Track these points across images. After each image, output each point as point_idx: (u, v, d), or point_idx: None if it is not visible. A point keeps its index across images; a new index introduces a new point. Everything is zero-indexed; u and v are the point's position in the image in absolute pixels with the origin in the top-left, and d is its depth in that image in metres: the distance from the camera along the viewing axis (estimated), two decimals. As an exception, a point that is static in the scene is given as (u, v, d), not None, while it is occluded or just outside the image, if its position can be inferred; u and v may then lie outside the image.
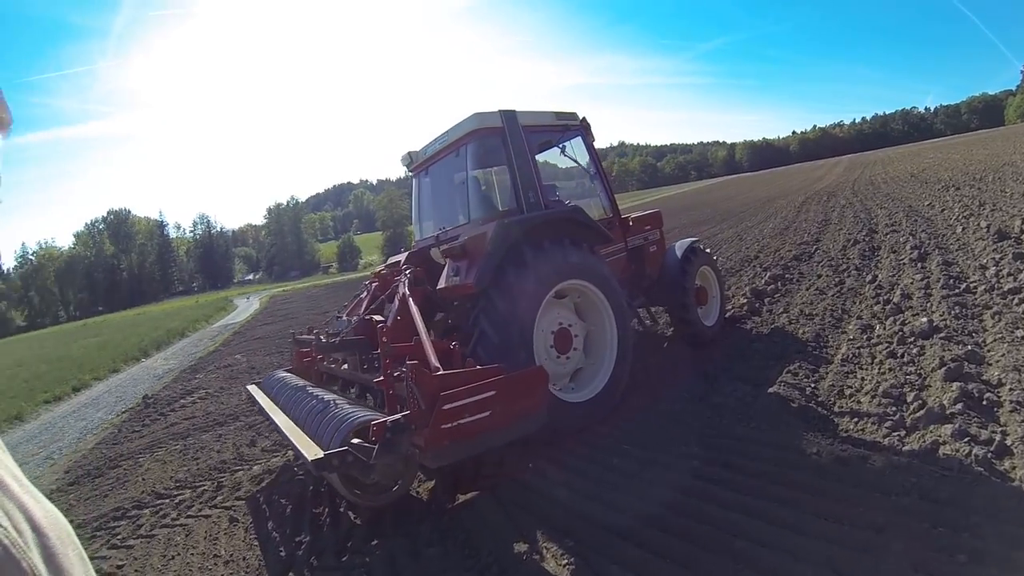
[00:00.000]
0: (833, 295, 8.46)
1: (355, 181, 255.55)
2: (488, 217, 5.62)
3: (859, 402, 4.87)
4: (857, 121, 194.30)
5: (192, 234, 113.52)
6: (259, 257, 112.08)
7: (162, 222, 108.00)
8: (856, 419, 4.59)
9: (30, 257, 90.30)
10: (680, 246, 7.41)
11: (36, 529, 0.76)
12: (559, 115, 6.30)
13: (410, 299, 5.07)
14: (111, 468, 7.77)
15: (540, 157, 6.79)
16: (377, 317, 5.48)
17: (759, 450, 4.37)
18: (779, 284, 9.90)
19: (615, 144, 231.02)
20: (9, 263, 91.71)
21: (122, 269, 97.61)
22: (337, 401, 4.57)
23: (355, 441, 3.61)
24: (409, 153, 6.61)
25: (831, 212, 19.99)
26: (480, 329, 4.93)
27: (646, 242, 7.30)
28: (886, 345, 5.91)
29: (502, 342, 4.84)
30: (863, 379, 5.33)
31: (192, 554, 4.67)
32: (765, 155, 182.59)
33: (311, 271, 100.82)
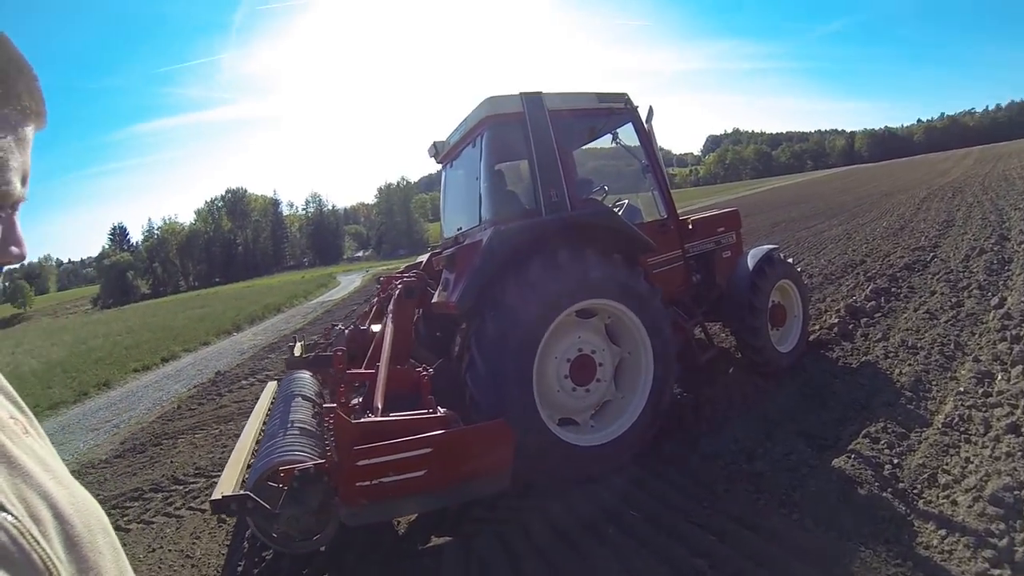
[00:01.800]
0: (947, 321, 7.03)
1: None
2: (502, 219, 4.96)
3: (955, 504, 3.62)
4: (991, 108, 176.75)
5: (304, 212, 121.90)
6: (369, 235, 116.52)
7: (276, 200, 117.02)
8: (944, 534, 3.36)
9: (155, 232, 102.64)
10: (754, 255, 6.21)
11: (59, 516, 0.79)
12: (602, 96, 5.39)
13: (390, 316, 4.79)
14: (153, 445, 8.19)
15: (591, 146, 6.18)
16: (375, 328, 5.23)
17: (788, 564, 3.29)
18: (882, 300, 8.48)
19: (729, 131, 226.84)
20: (137, 237, 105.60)
21: (238, 244, 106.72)
22: (293, 426, 4.18)
23: (271, 484, 3.29)
24: (435, 143, 6.11)
25: (955, 211, 17.72)
26: (470, 357, 4.39)
27: (717, 247, 6.35)
28: (1008, 410, 4.53)
29: (491, 374, 4.26)
30: (967, 462, 4.06)
31: (170, 551, 4.76)
32: (887, 145, 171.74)
33: (418, 249, 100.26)
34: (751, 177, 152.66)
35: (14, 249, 0.91)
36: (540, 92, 4.96)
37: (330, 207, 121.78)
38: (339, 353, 4.35)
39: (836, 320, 7.63)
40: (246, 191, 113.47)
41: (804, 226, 20.40)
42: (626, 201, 6.08)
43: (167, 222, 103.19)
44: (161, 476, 6.57)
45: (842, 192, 38.80)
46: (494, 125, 5.01)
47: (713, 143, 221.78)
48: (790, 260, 6.64)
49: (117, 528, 5.32)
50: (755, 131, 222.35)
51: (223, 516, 3.59)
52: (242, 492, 3.24)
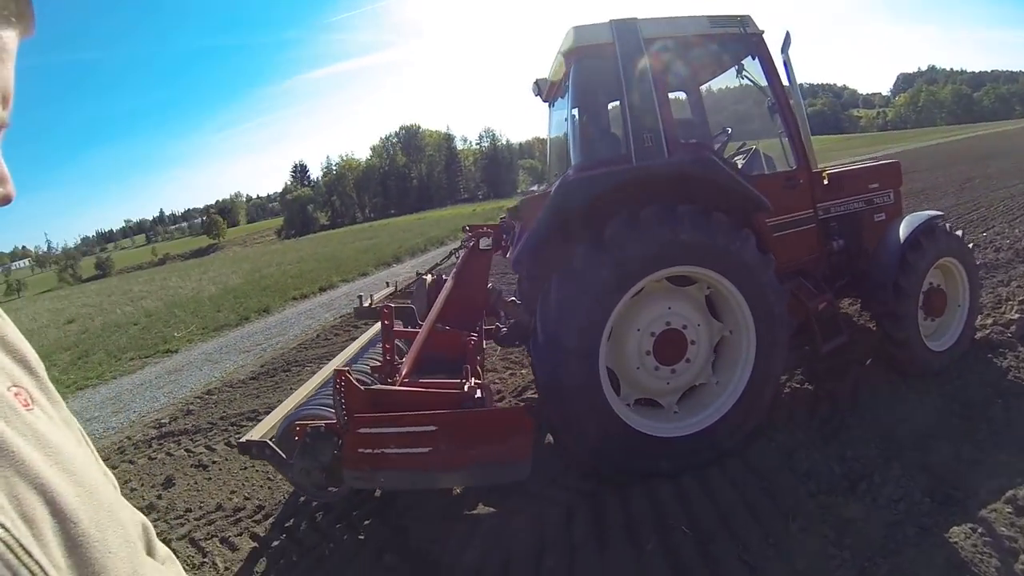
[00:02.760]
0: None
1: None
2: (587, 166, 4.49)
3: None
4: None
5: (478, 146, 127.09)
6: (543, 169, 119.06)
7: (450, 135, 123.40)
8: None
9: (333, 168, 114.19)
10: (910, 222, 5.07)
11: (59, 513, 0.71)
12: (716, 21, 4.55)
13: (452, 272, 4.68)
14: (284, 371, 9.04)
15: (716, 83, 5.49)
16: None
17: None
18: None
19: (923, 68, 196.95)
20: (316, 173, 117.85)
21: (412, 177, 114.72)
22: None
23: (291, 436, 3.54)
24: (537, 81, 5.58)
25: None
26: (533, 326, 4.12)
27: (866, 208, 5.34)
28: None
29: (549, 345, 3.95)
30: None
31: (257, 471, 5.27)
32: None
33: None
34: (948, 123, 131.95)
35: None
36: (635, 18, 4.35)
37: (504, 142, 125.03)
38: (386, 310, 4.24)
39: (1018, 315, 5.98)
40: (420, 127, 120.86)
41: (1002, 184, 16.76)
42: (753, 148, 5.29)
43: (344, 158, 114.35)
44: (277, 401, 6.95)
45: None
46: (581, 59, 4.52)
47: (904, 82, 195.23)
48: (959, 233, 5.35)
49: (208, 447, 6.07)
50: (954, 69, 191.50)
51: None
52: (261, 439, 3.54)
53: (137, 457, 6.43)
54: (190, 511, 4.87)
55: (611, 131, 4.96)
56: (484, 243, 5.26)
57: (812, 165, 4.81)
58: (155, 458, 6.31)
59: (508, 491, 4.10)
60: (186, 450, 6.27)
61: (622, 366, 4.27)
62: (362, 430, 3.22)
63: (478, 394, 3.47)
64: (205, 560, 4.16)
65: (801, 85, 4.96)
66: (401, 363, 3.85)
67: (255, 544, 4.22)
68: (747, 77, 4.87)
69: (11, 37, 0.73)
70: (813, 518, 3.48)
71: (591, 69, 4.55)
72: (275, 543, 4.18)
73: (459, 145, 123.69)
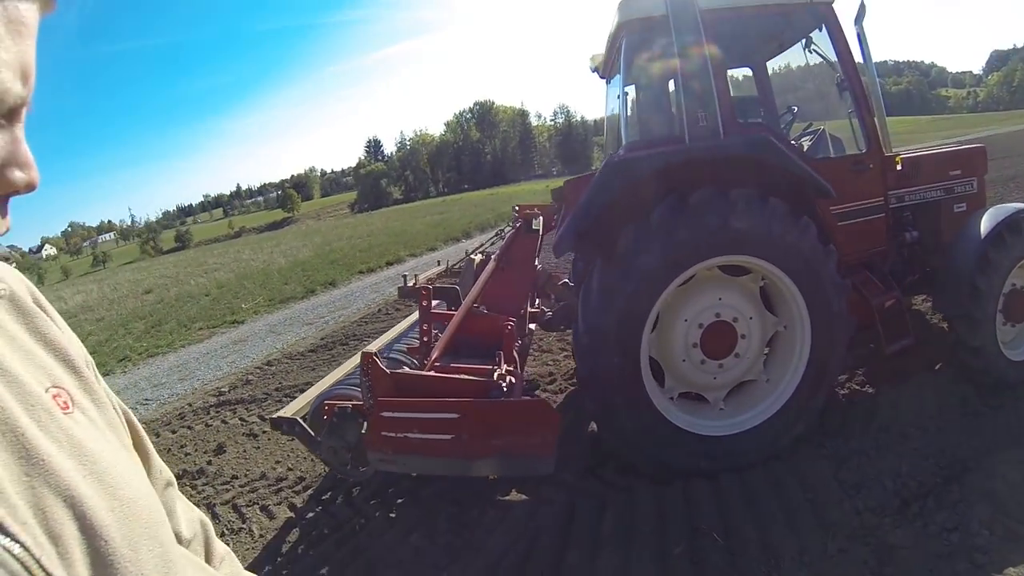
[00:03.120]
0: None
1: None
2: (637, 146, 4.29)
3: None
4: None
5: (553, 122, 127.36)
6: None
7: (524, 111, 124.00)
8: None
9: (407, 143, 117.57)
10: (993, 216, 4.56)
11: (89, 529, 0.66)
12: None
13: (495, 254, 4.65)
14: (342, 344, 9.37)
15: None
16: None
17: None
18: None
19: (1019, 45, 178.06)
20: (390, 148, 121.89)
21: (486, 153, 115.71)
22: (382, 358, 4.38)
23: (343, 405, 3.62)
24: (593, 56, 5.40)
25: None
26: (577, 308, 4.02)
27: (946, 197, 4.90)
28: None
29: (590, 335, 3.84)
30: None
31: (268, 454, 5.47)
32: None
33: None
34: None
35: (17, 173, 0.69)
36: None
37: (579, 118, 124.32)
38: (425, 291, 4.31)
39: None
40: (493, 103, 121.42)
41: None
42: (820, 128, 4.97)
43: (418, 134, 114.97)
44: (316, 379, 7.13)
45: None
46: (632, 33, 4.32)
47: (998, 60, 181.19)
48: None
49: (260, 416, 6.24)
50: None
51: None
52: (292, 416, 3.66)
53: (195, 423, 6.74)
54: (236, 478, 5.11)
55: (665, 110, 4.75)
56: (535, 224, 5.15)
57: (885, 148, 4.46)
58: (211, 425, 6.60)
59: (542, 480, 4.08)
60: (240, 419, 6.54)
61: (667, 357, 4.14)
62: (385, 414, 3.29)
63: (505, 384, 3.46)
64: (243, 526, 4.37)
65: (885, 62, 4.71)
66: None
67: (291, 514, 4.40)
68: (816, 51, 4.56)
69: (31, 10, 0.68)
70: (855, 538, 3.23)
71: (644, 43, 4.34)
72: (310, 515, 4.34)
73: (533, 121, 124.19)
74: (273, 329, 11.94)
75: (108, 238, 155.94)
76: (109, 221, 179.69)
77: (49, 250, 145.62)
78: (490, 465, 3.43)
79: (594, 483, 4.13)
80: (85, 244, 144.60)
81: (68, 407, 0.74)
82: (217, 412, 7.00)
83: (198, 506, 1.76)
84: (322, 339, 10.13)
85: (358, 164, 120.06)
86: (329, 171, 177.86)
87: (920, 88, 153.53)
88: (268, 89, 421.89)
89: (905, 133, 49.61)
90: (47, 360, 0.77)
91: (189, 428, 6.64)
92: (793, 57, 5.05)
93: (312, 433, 3.58)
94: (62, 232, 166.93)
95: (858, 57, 4.40)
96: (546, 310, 5.57)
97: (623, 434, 3.93)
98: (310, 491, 4.62)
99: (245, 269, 24.47)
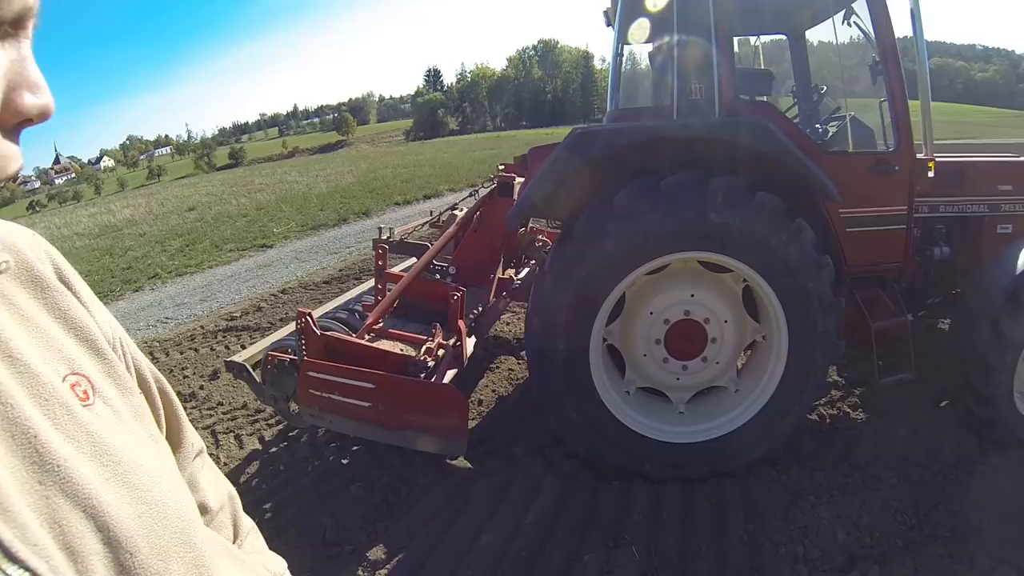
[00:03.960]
0: None
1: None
2: (620, 116, 4.10)
3: None
4: None
5: None
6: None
7: (588, 54, 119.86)
8: None
9: (467, 74, 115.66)
10: None
11: (112, 540, 0.60)
12: None
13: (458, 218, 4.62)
14: (354, 278, 9.58)
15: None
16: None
17: None
18: None
19: None
20: (450, 79, 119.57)
21: (547, 92, 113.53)
22: (340, 310, 4.71)
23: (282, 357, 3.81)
24: (605, 11, 4.91)
25: None
26: (532, 292, 3.79)
27: (990, 214, 4.22)
28: None
29: (538, 313, 3.61)
30: None
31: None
32: None
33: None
34: None
35: (28, 97, 0.62)
36: None
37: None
38: (380, 251, 4.42)
39: None
40: (558, 43, 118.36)
41: None
42: (850, 116, 4.29)
43: (479, 66, 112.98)
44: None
45: None
46: None
47: None
48: None
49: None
50: None
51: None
52: (242, 362, 3.89)
53: (201, 346, 7.07)
54: (221, 405, 5.40)
55: (658, 77, 4.36)
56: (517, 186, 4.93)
57: (925, 149, 3.90)
58: (215, 349, 6.88)
59: (492, 452, 4.23)
60: (241, 345, 6.75)
61: (628, 349, 3.91)
62: (311, 373, 3.45)
63: (432, 359, 3.58)
64: (214, 452, 4.60)
65: (973, 46, 4.14)
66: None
67: (259, 446, 4.65)
68: (857, 25, 4.03)
69: None
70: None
71: (639, 4, 3.99)
72: (273, 449, 4.59)
73: (597, 65, 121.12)
74: (299, 256, 12.20)
75: (164, 152, 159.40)
76: (166, 136, 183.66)
77: (107, 162, 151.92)
78: (404, 438, 3.53)
79: (539, 465, 4.11)
80: (142, 157, 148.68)
81: (88, 397, 0.68)
82: (224, 337, 7.28)
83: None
84: (340, 271, 10.34)
85: (416, 92, 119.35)
86: (388, 97, 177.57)
87: (1007, 79, 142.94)
88: (332, 9, 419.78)
89: (986, 125, 46.86)
90: (67, 342, 0.71)
91: (195, 350, 6.96)
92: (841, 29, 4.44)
93: (257, 380, 3.81)
94: (120, 145, 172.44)
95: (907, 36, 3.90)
96: (515, 278, 5.36)
97: (566, 423, 3.76)
98: (281, 426, 4.81)
99: (287, 192, 24.79)
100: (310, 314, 3.62)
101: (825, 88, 4.59)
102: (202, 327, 7.95)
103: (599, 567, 3.12)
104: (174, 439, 0.90)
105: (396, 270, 5.04)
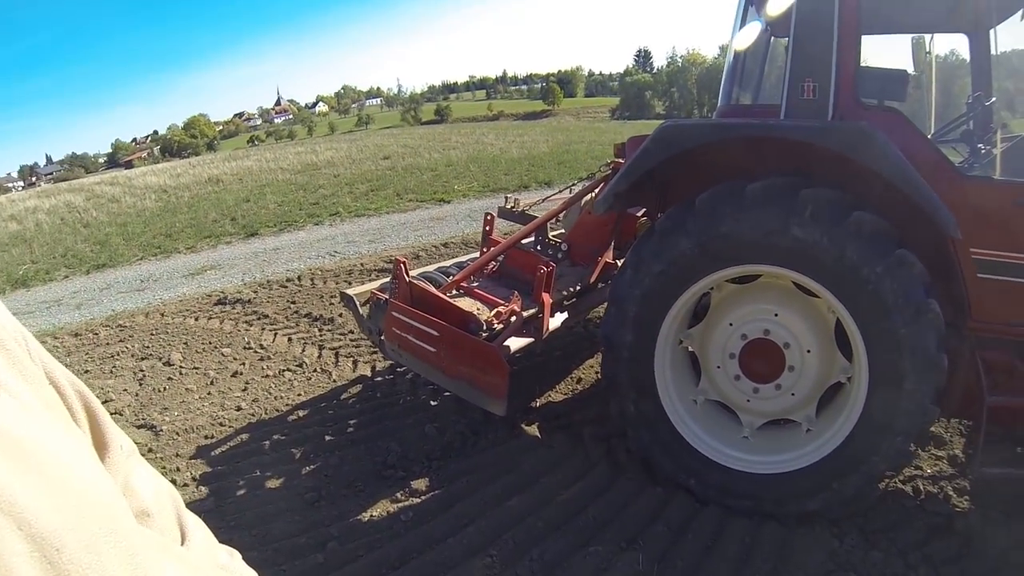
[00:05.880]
0: None
1: None
2: (727, 111, 3.97)
3: None
4: None
5: None
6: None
7: None
8: None
9: (677, 59, 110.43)
10: None
11: (35, 540, 0.49)
12: None
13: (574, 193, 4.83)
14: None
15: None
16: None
17: None
18: None
19: None
20: (660, 61, 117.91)
21: None
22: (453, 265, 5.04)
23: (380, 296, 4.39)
24: None
25: None
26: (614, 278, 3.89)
27: None
28: None
29: (614, 303, 3.56)
30: None
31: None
32: None
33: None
34: None
35: None
36: None
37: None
38: (489, 217, 4.89)
39: None
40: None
41: None
42: (1020, 138, 3.70)
43: (690, 52, 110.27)
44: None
45: None
46: None
47: None
48: None
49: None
50: None
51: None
52: (352, 295, 4.58)
53: (356, 281, 8.06)
54: (351, 332, 6.24)
55: (772, 71, 4.16)
56: None
57: None
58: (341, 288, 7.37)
59: (566, 428, 4.50)
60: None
61: (704, 356, 3.72)
62: (394, 313, 4.03)
63: (499, 322, 3.89)
64: (329, 371, 5.46)
65: None
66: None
67: (369, 373, 5.42)
68: None
69: None
70: None
71: None
72: (379, 379, 5.33)
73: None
74: (471, 214, 12.36)
75: (375, 102, 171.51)
76: (378, 88, 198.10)
77: (322, 107, 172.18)
78: (457, 386, 3.93)
79: (599, 451, 4.19)
80: (353, 105, 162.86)
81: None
82: (378, 276, 7.89)
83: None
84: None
85: (625, 72, 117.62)
86: (597, 73, 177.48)
87: None
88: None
89: None
90: None
91: (349, 283, 7.82)
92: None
93: (360, 313, 4.49)
94: (335, 93, 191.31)
95: None
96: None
97: (624, 414, 3.70)
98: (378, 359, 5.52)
99: (479, 153, 25.38)
100: (404, 262, 4.18)
101: (993, 101, 4.01)
102: (363, 264, 8.70)
103: (598, 562, 3.14)
104: (99, 442, 0.77)
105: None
